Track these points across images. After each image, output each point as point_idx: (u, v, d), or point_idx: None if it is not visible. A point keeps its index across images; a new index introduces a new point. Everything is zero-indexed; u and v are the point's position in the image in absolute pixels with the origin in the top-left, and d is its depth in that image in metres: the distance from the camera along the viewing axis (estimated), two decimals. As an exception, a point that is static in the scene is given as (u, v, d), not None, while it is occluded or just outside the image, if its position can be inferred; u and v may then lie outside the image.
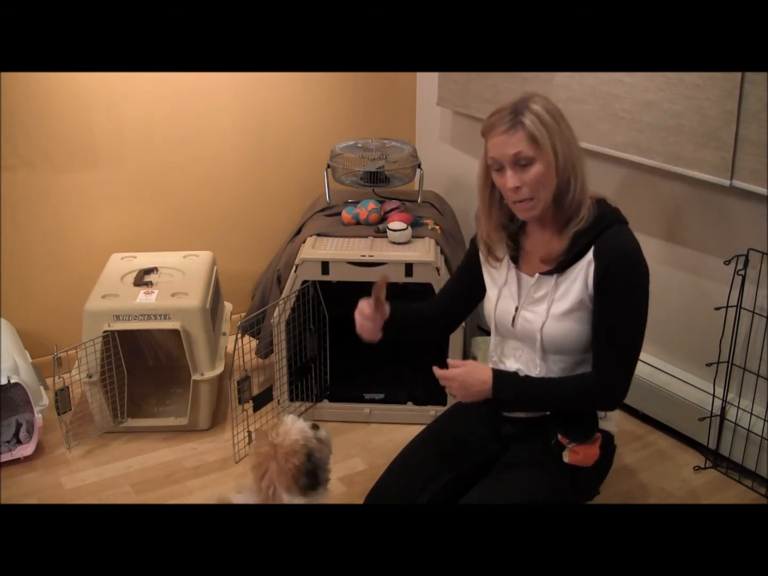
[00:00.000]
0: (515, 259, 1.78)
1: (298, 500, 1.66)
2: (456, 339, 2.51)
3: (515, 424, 1.82)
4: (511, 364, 1.82)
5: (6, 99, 2.56)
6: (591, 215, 1.66)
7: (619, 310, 1.66)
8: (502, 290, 1.81)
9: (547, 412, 1.77)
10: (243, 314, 2.88)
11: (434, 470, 1.79)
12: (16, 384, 2.38)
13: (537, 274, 1.73)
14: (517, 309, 1.77)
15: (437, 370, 1.70)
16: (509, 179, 1.64)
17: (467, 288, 1.93)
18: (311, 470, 1.67)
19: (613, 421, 1.84)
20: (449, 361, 1.74)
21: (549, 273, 1.71)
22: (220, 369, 2.56)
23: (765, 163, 2.06)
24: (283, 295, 2.52)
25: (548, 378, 1.74)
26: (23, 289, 2.78)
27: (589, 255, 1.66)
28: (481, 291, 1.90)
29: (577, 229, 1.66)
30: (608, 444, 1.81)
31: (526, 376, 1.74)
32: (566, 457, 1.74)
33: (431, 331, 1.99)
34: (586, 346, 1.72)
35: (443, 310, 1.95)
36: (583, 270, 1.67)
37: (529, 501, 1.67)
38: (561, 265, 1.69)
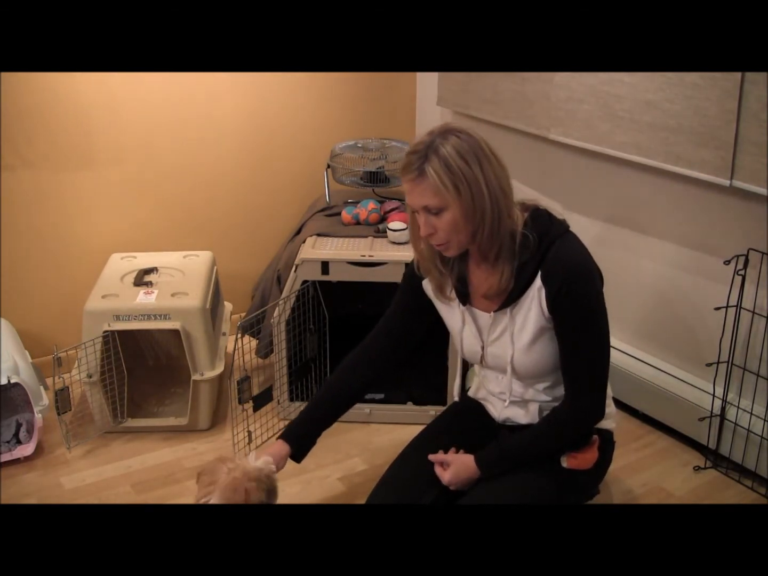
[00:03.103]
0: (465, 299, 1.76)
1: None
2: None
3: (512, 430, 1.82)
4: (493, 388, 1.82)
5: (6, 99, 2.56)
6: (530, 239, 1.62)
7: (579, 329, 1.65)
8: (463, 332, 1.79)
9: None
10: (243, 314, 2.88)
11: (435, 471, 1.79)
12: (16, 384, 2.38)
13: (492, 313, 1.71)
14: (483, 347, 1.77)
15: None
16: (421, 227, 1.62)
17: (410, 323, 1.90)
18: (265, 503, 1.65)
19: (611, 418, 1.83)
20: (431, 457, 1.79)
21: (502, 308, 1.69)
22: (220, 369, 2.56)
23: (765, 163, 2.06)
24: (283, 295, 2.52)
25: (528, 434, 1.74)
26: (23, 289, 2.78)
27: (538, 281, 1.63)
28: (426, 322, 1.89)
29: (520, 259, 1.63)
30: (607, 443, 1.80)
31: (507, 446, 1.73)
32: (564, 462, 1.74)
33: (374, 380, 1.94)
34: (558, 365, 1.71)
35: (383, 354, 1.91)
36: (536, 297, 1.65)
37: (525, 502, 1.68)
38: (511, 297, 1.67)
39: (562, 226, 1.67)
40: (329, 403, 1.91)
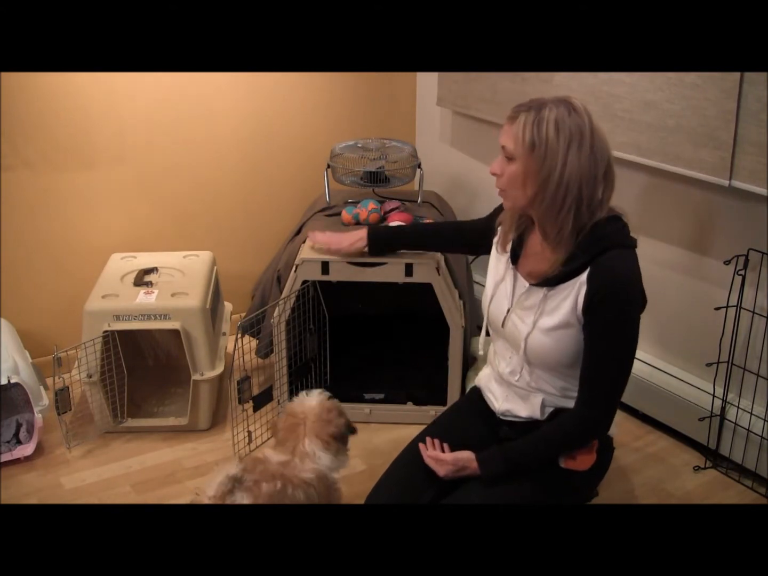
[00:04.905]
0: (515, 259, 1.78)
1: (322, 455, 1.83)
2: (456, 339, 2.51)
3: (512, 427, 1.82)
4: (503, 368, 1.82)
5: (6, 99, 2.56)
6: (594, 235, 1.62)
7: (605, 339, 1.64)
8: (498, 287, 1.81)
9: (543, 417, 1.77)
10: (243, 314, 2.88)
11: (434, 471, 1.79)
12: (16, 384, 2.38)
13: (528, 284, 1.72)
14: (508, 311, 1.77)
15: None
16: (493, 163, 1.68)
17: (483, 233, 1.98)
18: (348, 424, 1.92)
19: (612, 423, 1.83)
20: (428, 454, 1.80)
21: (539, 285, 1.70)
22: (220, 369, 2.56)
23: (764, 163, 2.06)
24: (283, 295, 2.52)
25: (531, 439, 1.73)
26: (23, 289, 2.78)
27: (583, 276, 1.63)
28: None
29: (574, 250, 1.63)
30: (606, 447, 1.80)
31: (511, 452, 1.73)
32: (562, 462, 1.74)
33: (453, 245, 2.28)
34: (570, 363, 1.70)
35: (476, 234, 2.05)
36: (575, 291, 1.65)
37: (520, 502, 1.68)
38: (551, 281, 1.67)
39: (629, 241, 1.67)
40: (420, 231, 2.29)
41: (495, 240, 1.85)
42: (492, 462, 1.73)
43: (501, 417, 1.85)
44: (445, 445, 1.83)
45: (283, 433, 1.88)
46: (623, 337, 1.66)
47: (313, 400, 1.91)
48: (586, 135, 1.58)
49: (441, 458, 1.78)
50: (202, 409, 2.55)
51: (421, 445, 1.83)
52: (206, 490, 1.67)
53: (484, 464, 1.73)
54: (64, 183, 2.75)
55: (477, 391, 1.97)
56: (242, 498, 1.67)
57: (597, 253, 1.62)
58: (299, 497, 1.75)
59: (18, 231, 2.72)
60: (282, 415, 1.92)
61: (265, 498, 1.70)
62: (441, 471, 1.77)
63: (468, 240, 2.11)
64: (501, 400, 1.84)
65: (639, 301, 1.67)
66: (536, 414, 1.78)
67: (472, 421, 1.90)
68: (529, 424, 1.78)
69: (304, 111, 3.11)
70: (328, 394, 1.95)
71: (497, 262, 1.84)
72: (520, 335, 1.73)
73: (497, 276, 1.82)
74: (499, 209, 1.89)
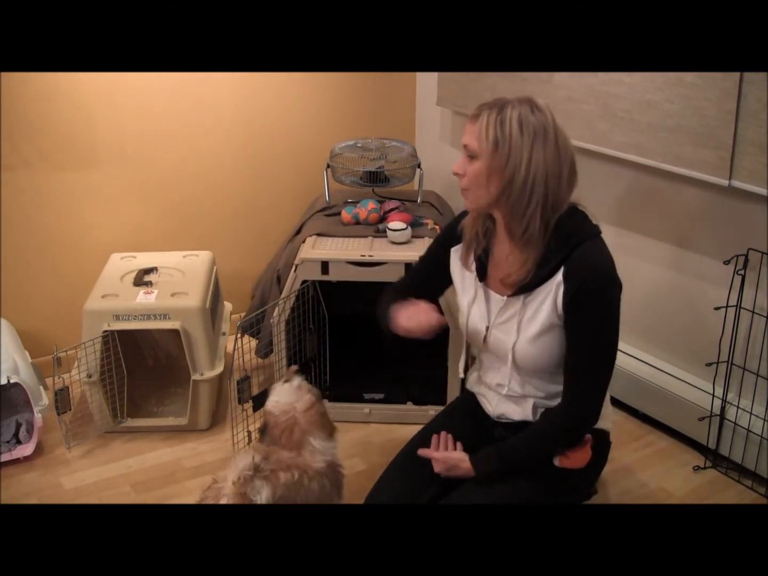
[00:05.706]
0: (482, 274, 1.76)
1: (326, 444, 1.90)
2: (456, 339, 2.51)
3: (507, 428, 1.82)
4: (491, 379, 1.82)
5: (6, 99, 2.56)
6: (561, 232, 1.62)
7: (590, 332, 1.64)
8: (471, 308, 1.79)
9: (537, 417, 1.77)
10: (243, 314, 2.88)
11: (433, 471, 1.79)
12: (16, 384, 2.38)
13: (505, 297, 1.71)
14: (487, 328, 1.76)
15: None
16: (456, 163, 1.67)
17: (433, 278, 1.91)
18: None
19: (608, 418, 1.83)
20: (420, 452, 1.80)
21: (517, 294, 1.69)
22: (219, 369, 2.56)
23: (764, 163, 2.06)
24: (283, 295, 2.52)
25: (523, 437, 1.73)
26: (23, 289, 2.78)
27: (559, 276, 1.63)
28: (446, 280, 1.89)
29: (545, 250, 1.62)
30: (602, 443, 1.80)
31: (504, 452, 1.72)
32: (557, 461, 1.74)
33: None
34: (559, 362, 1.70)
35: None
36: (552, 291, 1.64)
37: (518, 502, 1.68)
38: (528, 286, 1.66)
39: (595, 230, 1.67)
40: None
41: (457, 256, 1.83)
42: (486, 461, 1.73)
43: (495, 420, 1.85)
44: (449, 438, 1.82)
45: (286, 441, 1.87)
46: (607, 329, 1.66)
47: (292, 393, 1.91)
48: (550, 132, 1.59)
49: (433, 456, 1.78)
50: (201, 409, 2.55)
51: (434, 437, 1.84)
52: (228, 477, 1.69)
53: (479, 463, 1.73)
54: (65, 183, 2.75)
55: (471, 393, 1.97)
56: (261, 486, 1.70)
57: (569, 250, 1.62)
58: (314, 488, 1.81)
59: (18, 231, 2.72)
60: (279, 420, 1.89)
61: (282, 488, 1.74)
62: (435, 467, 1.77)
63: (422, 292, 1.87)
64: (494, 404, 1.84)
65: (617, 289, 1.66)
66: (529, 417, 1.78)
67: (467, 422, 1.90)
68: (524, 426, 1.78)
69: (305, 111, 3.11)
70: (297, 379, 1.95)
71: (462, 277, 1.82)
72: (505, 347, 1.73)
73: (468, 295, 1.80)
74: (450, 228, 1.85)
